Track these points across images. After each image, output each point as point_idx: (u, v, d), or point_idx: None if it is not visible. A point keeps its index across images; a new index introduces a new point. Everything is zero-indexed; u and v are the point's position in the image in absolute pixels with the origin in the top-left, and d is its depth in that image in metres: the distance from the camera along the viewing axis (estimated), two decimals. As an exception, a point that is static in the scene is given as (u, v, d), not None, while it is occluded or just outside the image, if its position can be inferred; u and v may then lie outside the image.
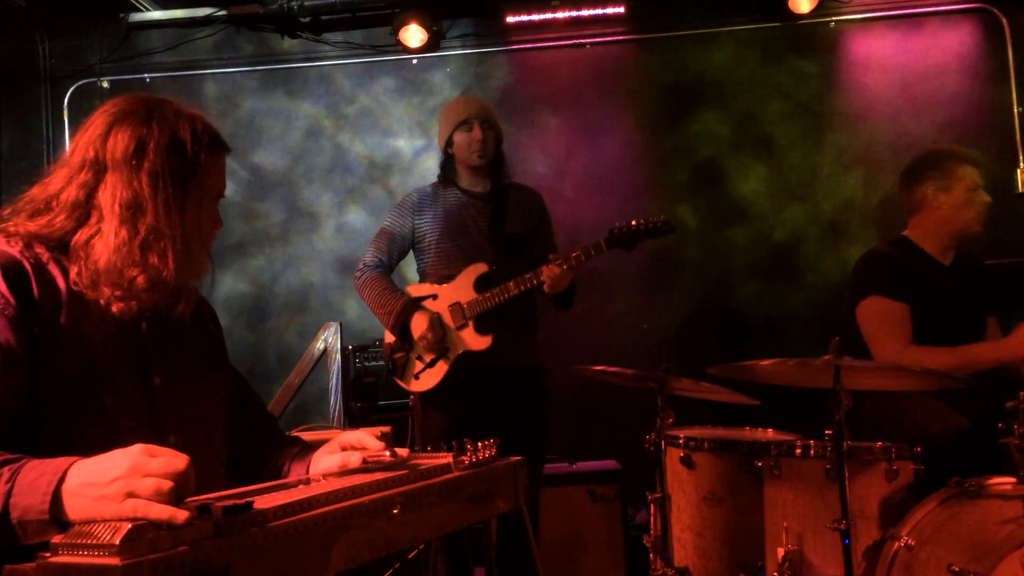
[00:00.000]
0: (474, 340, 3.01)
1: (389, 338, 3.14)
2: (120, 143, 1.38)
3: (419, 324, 3.00)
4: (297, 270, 4.46)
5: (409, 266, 3.34)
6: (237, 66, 4.47)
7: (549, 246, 3.22)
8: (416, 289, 3.15)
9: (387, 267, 3.20)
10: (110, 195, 1.37)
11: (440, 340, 2.99)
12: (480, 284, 3.03)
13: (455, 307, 3.03)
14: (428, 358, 3.05)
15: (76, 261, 1.36)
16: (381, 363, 3.68)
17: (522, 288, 2.96)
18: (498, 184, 3.18)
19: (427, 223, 3.14)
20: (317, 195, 4.46)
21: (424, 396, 3.09)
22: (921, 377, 2.24)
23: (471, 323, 3.02)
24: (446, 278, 3.09)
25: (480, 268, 3.05)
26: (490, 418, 2.96)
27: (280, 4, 4.31)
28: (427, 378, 3.05)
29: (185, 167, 1.42)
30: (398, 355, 3.10)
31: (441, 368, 3.03)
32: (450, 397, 3.03)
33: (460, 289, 3.05)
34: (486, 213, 3.13)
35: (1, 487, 1.08)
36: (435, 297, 3.08)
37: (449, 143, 3.15)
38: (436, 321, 3.00)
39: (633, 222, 2.93)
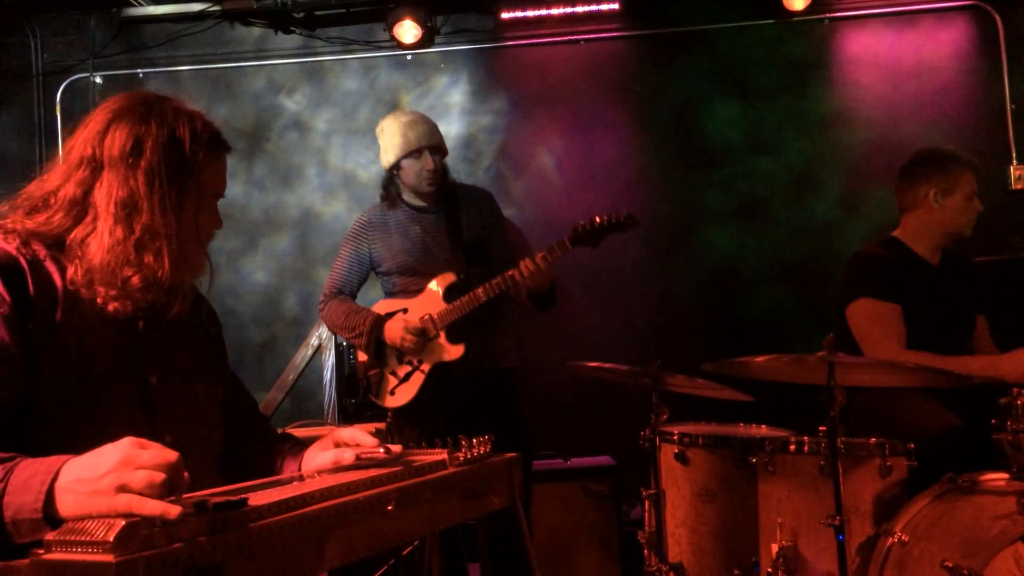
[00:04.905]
0: (447, 350, 2.99)
1: (362, 357, 3.11)
2: (117, 141, 1.37)
3: (394, 330, 2.98)
4: (293, 261, 4.44)
5: (374, 288, 3.30)
6: (230, 61, 4.45)
7: (506, 243, 3.20)
8: (385, 305, 3.11)
9: (348, 295, 3.17)
10: (106, 193, 1.36)
11: (420, 337, 2.97)
12: (450, 294, 3.01)
13: (426, 319, 3.00)
14: (402, 372, 3.03)
15: (72, 259, 1.35)
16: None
17: (492, 294, 2.93)
18: (443, 192, 3.13)
19: (382, 245, 3.09)
20: (313, 190, 4.45)
21: (399, 412, 3.06)
22: (915, 374, 2.24)
23: (443, 333, 3.00)
24: (414, 292, 3.07)
25: (448, 278, 3.03)
26: (468, 425, 2.95)
27: (274, -1, 4.30)
28: (403, 392, 3.03)
29: (183, 166, 1.40)
30: (372, 372, 3.06)
31: (416, 381, 3.01)
32: (424, 411, 3.01)
33: (430, 301, 3.03)
34: (438, 225, 3.10)
35: (-5, 486, 1.08)
36: (405, 311, 3.05)
37: (396, 166, 3.09)
38: (410, 324, 2.97)
39: (596, 218, 2.89)
